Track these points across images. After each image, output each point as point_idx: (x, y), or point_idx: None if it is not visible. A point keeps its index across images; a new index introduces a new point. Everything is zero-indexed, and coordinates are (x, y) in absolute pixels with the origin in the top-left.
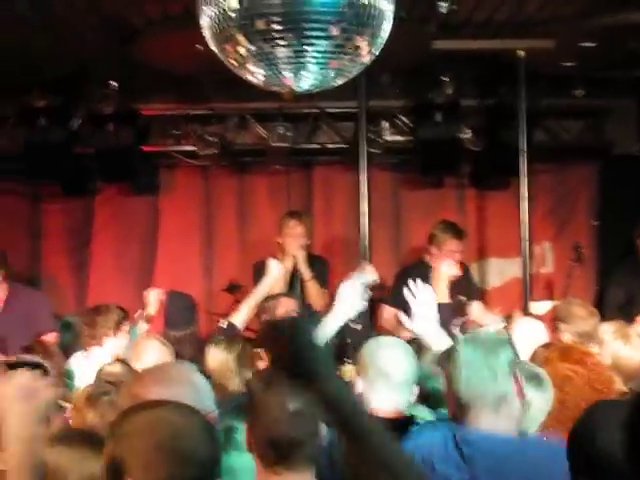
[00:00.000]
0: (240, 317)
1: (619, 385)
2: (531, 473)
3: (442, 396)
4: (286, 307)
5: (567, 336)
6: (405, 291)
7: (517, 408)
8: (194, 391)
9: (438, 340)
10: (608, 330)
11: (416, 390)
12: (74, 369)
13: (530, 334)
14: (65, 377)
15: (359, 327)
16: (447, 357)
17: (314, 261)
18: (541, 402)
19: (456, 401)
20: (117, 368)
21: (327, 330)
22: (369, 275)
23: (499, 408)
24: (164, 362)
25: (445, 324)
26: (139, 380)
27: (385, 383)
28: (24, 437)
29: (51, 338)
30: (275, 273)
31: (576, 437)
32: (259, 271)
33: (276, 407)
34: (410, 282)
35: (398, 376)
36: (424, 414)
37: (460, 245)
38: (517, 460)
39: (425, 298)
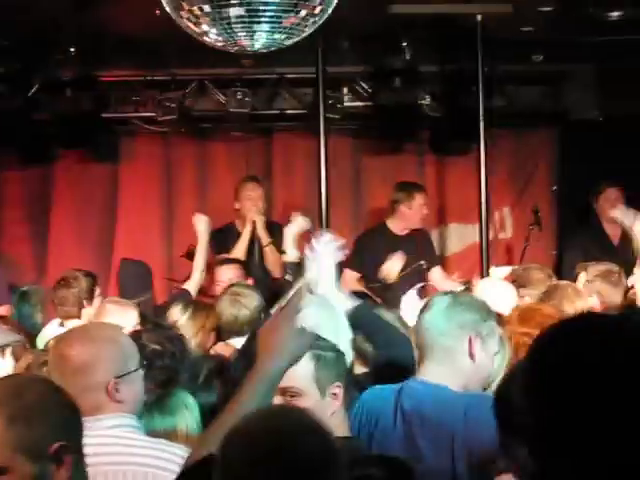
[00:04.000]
0: (192, 283)
1: None
2: (462, 426)
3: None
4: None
5: (527, 299)
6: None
7: (465, 366)
8: (118, 349)
9: (340, 299)
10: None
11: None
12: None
13: (495, 296)
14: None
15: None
16: (419, 317)
17: (273, 228)
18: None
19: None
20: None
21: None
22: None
23: (444, 362)
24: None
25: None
26: (64, 339)
27: None
28: None
29: (3, 310)
30: (202, 228)
31: (497, 393)
32: (215, 237)
33: None
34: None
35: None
36: None
37: (424, 199)
38: (450, 412)
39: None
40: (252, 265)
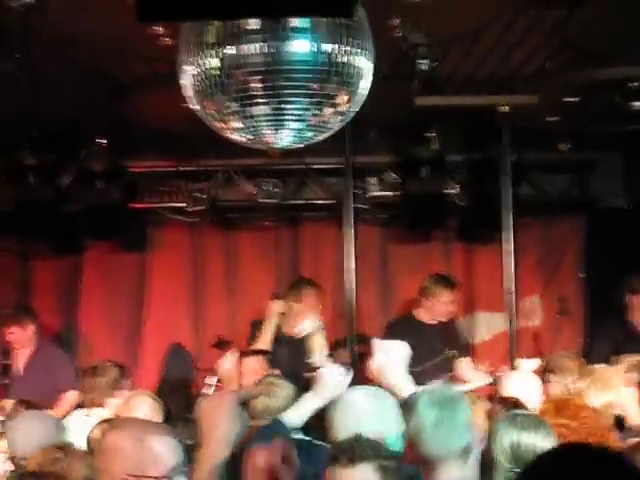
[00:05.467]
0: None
1: (614, 438)
2: None
3: None
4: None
5: (557, 387)
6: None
7: (478, 453)
8: None
9: (403, 386)
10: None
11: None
12: (72, 427)
13: (521, 388)
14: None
15: None
16: (408, 412)
17: None
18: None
19: (420, 455)
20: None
21: (305, 408)
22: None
23: (466, 458)
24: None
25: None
26: None
27: None
28: None
29: (71, 396)
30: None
31: None
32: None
33: None
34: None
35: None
36: None
37: (452, 296)
38: None
39: (393, 347)
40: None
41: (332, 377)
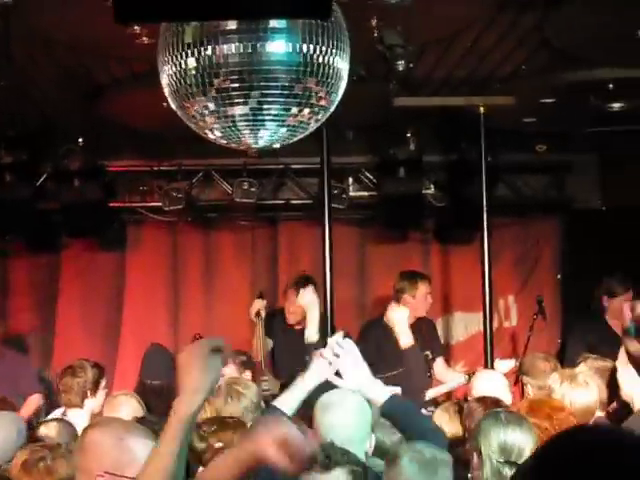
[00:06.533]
0: None
1: None
2: None
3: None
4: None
5: (529, 388)
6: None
7: None
8: None
9: (375, 391)
10: (554, 377)
11: (372, 441)
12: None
13: (490, 387)
14: None
15: None
16: (391, 466)
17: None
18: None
19: None
20: (52, 430)
21: (292, 398)
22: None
23: None
24: None
25: (417, 367)
26: None
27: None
28: None
29: (35, 399)
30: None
31: None
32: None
33: None
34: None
35: (345, 437)
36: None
37: (430, 287)
38: None
39: (349, 351)
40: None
41: (319, 363)
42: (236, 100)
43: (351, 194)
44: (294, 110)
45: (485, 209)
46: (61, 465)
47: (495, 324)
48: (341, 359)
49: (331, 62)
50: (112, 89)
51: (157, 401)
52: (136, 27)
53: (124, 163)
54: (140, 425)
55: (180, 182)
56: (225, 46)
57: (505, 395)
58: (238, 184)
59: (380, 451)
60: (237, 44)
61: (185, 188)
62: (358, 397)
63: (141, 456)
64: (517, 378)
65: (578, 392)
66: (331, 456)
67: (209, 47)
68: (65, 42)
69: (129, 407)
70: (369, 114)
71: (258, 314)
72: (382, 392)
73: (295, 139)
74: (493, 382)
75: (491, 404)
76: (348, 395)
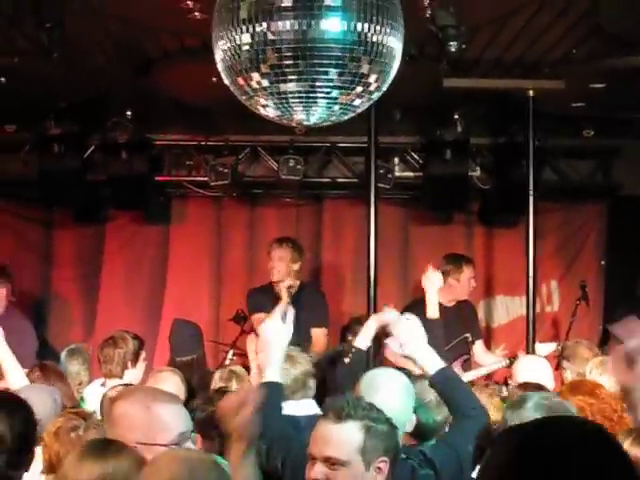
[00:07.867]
0: None
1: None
2: None
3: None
4: None
5: (568, 374)
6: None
7: None
8: None
9: (429, 360)
10: (588, 365)
11: (412, 422)
12: (89, 398)
13: (534, 373)
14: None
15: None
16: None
17: (314, 294)
18: None
19: None
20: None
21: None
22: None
23: None
24: None
25: (438, 339)
26: None
27: None
28: None
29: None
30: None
31: None
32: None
33: None
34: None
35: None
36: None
37: (474, 270)
38: None
39: (411, 323)
40: None
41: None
42: (289, 77)
43: (396, 174)
44: (347, 89)
45: (531, 193)
46: (92, 436)
47: (537, 309)
48: (403, 326)
49: (385, 41)
50: (162, 63)
51: (190, 375)
52: (189, 1)
53: (171, 137)
54: (165, 391)
55: (226, 157)
56: (280, 23)
57: (549, 382)
58: (284, 161)
59: (423, 431)
60: (292, 21)
61: (231, 163)
62: (403, 378)
63: (170, 421)
64: (558, 363)
65: (604, 379)
66: (345, 408)
67: (264, 23)
68: (117, 14)
69: (172, 383)
70: (418, 94)
71: (290, 287)
72: (435, 363)
73: (346, 117)
74: (537, 368)
75: (533, 390)
76: (393, 377)
